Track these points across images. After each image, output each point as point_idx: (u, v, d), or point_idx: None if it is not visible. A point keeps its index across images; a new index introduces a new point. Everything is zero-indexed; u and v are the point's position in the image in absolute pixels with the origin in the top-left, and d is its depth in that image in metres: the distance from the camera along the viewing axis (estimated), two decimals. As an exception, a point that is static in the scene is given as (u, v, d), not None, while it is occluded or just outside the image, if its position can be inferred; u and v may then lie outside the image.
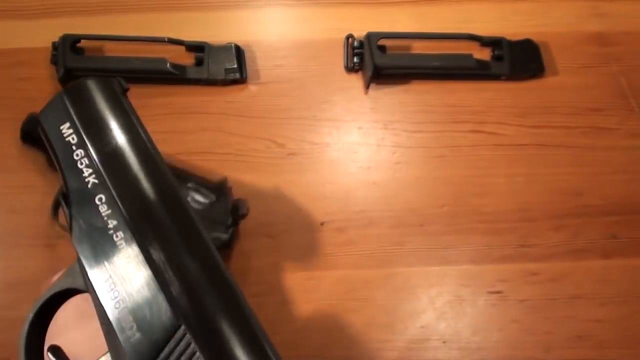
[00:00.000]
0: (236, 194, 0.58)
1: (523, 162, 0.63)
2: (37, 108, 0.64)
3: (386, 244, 0.59)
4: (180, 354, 0.26)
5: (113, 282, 0.29)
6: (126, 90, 0.36)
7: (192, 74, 0.64)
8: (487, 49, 0.67)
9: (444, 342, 0.56)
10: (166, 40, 0.64)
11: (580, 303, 0.58)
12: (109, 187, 0.31)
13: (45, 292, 0.35)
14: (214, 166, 0.61)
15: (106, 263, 0.30)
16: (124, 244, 0.29)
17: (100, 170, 0.31)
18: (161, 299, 0.27)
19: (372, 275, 0.58)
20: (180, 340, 0.26)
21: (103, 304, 0.29)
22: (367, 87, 0.65)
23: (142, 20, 0.67)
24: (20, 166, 0.61)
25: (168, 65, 0.62)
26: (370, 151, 0.63)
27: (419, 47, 0.67)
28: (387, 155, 0.63)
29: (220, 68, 0.64)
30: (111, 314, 0.28)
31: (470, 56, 0.65)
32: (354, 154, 0.63)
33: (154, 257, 0.28)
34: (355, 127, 0.64)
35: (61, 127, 0.33)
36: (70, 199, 0.31)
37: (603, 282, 0.58)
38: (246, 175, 0.60)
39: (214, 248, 0.30)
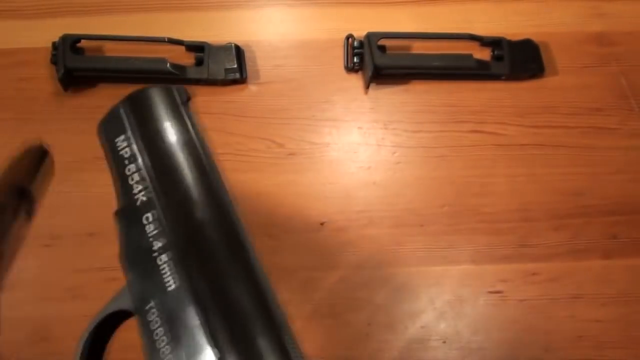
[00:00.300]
0: (236, 193, 0.58)
1: (523, 162, 0.63)
2: (37, 108, 0.65)
3: (386, 244, 0.59)
4: None
5: (154, 309, 0.27)
6: (188, 99, 0.33)
7: (192, 74, 0.64)
8: (487, 49, 0.67)
9: (444, 342, 0.56)
10: (166, 40, 0.64)
11: (580, 303, 0.57)
12: (156, 206, 0.29)
13: (97, 314, 0.33)
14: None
15: (149, 286, 0.28)
16: (166, 268, 0.28)
17: (149, 187, 0.29)
18: (201, 337, 0.26)
19: (372, 275, 0.58)
20: None
21: (143, 330, 0.28)
22: (367, 87, 0.65)
23: (142, 20, 0.67)
24: (20, 166, 0.61)
25: (168, 65, 0.62)
26: (370, 151, 0.63)
27: (419, 47, 0.67)
28: (387, 155, 0.63)
29: (220, 68, 0.64)
30: (149, 343, 0.27)
31: (470, 56, 0.65)
32: (354, 154, 0.63)
33: (197, 287, 0.27)
34: (355, 127, 0.64)
35: (116, 140, 0.32)
36: (119, 216, 0.30)
37: (603, 282, 0.58)
38: (246, 175, 0.60)
39: (262, 272, 0.29)
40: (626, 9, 0.71)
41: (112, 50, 0.65)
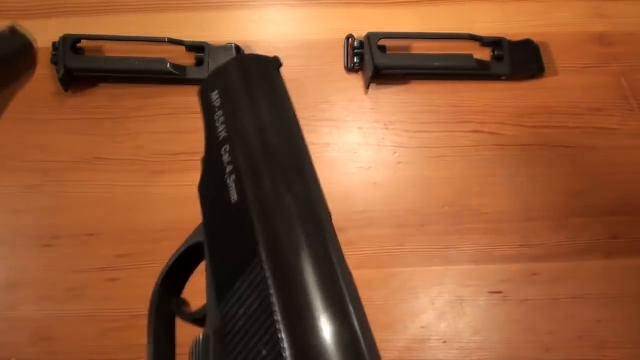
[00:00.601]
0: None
1: (524, 162, 0.63)
2: (37, 108, 0.65)
3: (386, 244, 0.59)
4: (253, 289, 0.25)
5: (213, 223, 0.29)
6: (279, 65, 0.36)
7: (192, 74, 0.64)
8: (487, 49, 0.67)
9: (444, 342, 0.56)
10: (166, 40, 0.64)
11: (581, 303, 0.57)
12: (234, 138, 0.31)
13: (176, 250, 0.34)
14: (214, 166, 0.61)
15: (219, 208, 0.29)
16: (233, 185, 0.29)
17: (231, 124, 0.32)
18: (246, 228, 0.26)
19: (372, 275, 0.58)
20: (257, 274, 0.25)
21: (207, 246, 0.29)
22: (367, 87, 0.65)
23: (142, 20, 0.67)
24: (20, 166, 0.61)
25: (168, 65, 0.62)
26: (370, 151, 0.63)
27: (419, 47, 0.67)
28: (388, 155, 0.63)
29: (220, 68, 0.64)
30: (210, 259, 0.28)
31: (470, 56, 0.65)
32: (354, 154, 0.63)
33: (257, 199, 0.27)
34: (356, 127, 0.64)
35: (212, 94, 0.35)
36: (205, 158, 0.33)
37: (604, 282, 0.58)
38: (246, 175, 0.60)
39: (322, 200, 0.30)
40: (627, 9, 0.71)
41: (112, 50, 0.65)
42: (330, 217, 0.29)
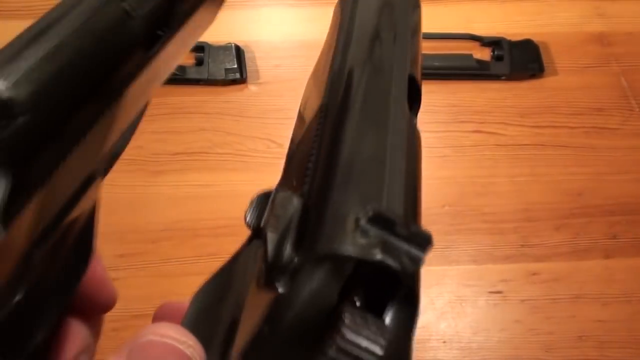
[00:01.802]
0: (235, 193, 0.58)
1: (524, 162, 0.63)
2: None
3: (387, 244, 0.59)
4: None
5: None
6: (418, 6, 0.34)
7: (192, 74, 0.64)
8: (487, 49, 0.67)
9: (444, 342, 0.56)
10: (166, 40, 0.64)
11: (582, 303, 0.57)
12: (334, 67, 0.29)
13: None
14: (213, 166, 0.61)
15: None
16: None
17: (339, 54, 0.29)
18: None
19: (373, 276, 0.58)
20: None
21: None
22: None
23: (142, 20, 0.67)
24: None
25: (168, 65, 0.62)
26: (370, 151, 0.63)
27: (419, 47, 0.67)
28: (388, 155, 0.63)
29: (220, 68, 0.64)
30: None
31: (470, 56, 0.65)
32: (354, 154, 0.63)
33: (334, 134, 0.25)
34: (356, 127, 0.64)
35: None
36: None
37: (605, 282, 0.58)
38: (245, 175, 0.60)
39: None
40: (626, 9, 0.71)
41: (112, 50, 0.65)
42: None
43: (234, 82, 0.64)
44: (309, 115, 0.27)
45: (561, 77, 0.67)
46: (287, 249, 0.18)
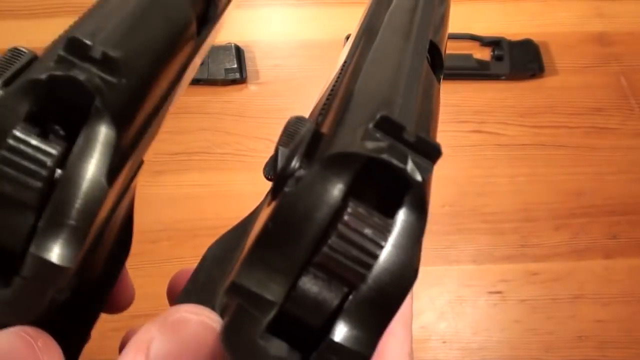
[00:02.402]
0: (235, 193, 0.58)
1: (524, 162, 0.63)
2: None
3: (386, 244, 0.59)
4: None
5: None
6: None
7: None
8: (487, 49, 0.67)
9: (444, 342, 0.56)
10: (166, 40, 0.64)
11: (581, 303, 0.57)
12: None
13: None
14: (213, 166, 0.61)
15: None
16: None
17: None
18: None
19: (373, 276, 0.58)
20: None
21: None
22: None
23: (142, 20, 0.67)
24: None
25: (168, 65, 0.62)
26: (370, 151, 0.63)
27: (419, 47, 0.67)
28: (388, 155, 0.63)
29: (220, 68, 0.64)
30: None
31: (470, 56, 0.65)
32: (354, 154, 0.63)
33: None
34: (356, 127, 0.64)
35: None
36: None
37: (605, 282, 0.58)
38: (245, 175, 0.60)
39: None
40: (626, 9, 0.71)
41: (112, 50, 0.65)
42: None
43: (234, 82, 0.64)
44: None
45: (561, 77, 0.67)
46: (296, 159, 0.18)
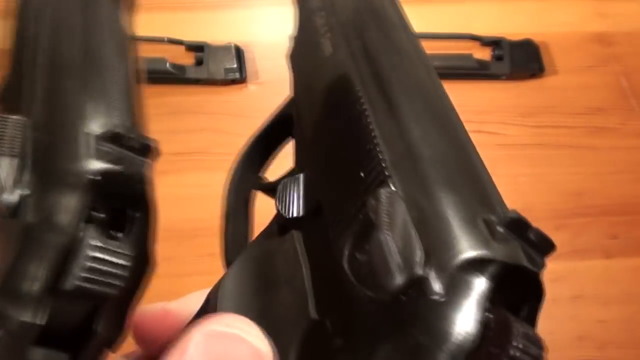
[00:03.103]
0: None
1: (524, 162, 0.63)
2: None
3: (387, 244, 0.59)
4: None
5: (307, 85, 0.27)
6: None
7: (192, 73, 0.64)
8: (487, 49, 0.67)
9: (445, 342, 0.56)
10: (166, 40, 0.64)
11: (582, 303, 0.57)
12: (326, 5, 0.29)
13: (263, 124, 0.31)
14: (213, 166, 0.61)
15: (311, 71, 0.28)
16: (328, 43, 0.27)
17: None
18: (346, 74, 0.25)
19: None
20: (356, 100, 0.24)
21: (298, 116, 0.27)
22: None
23: (142, 20, 0.67)
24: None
25: (167, 65, 0.62)
26: (370, 151, 0.63)
27: (419, 47, 0.67)
28: (388, 155, 0.63)
29: (220, 68, 0.64)
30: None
31: (470, 56, 0.65)
32: (354, 154, 0.63)
33: (351, 52, 0.26)
34: (356, 127, 0.64)
35: None
36: (296, 33, 0.31)
37: (605, 282, 0.58)
38: (246, 176, 0.60)
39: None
40: (627, 9, 0.71)
41: (112, 50, 0.65)
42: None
43: (233, 82, 0.64)
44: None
45: (561, 77, 0.67)
46: (419, 265, 0.17)
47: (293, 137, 0.30)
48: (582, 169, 0.62)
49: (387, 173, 0.20)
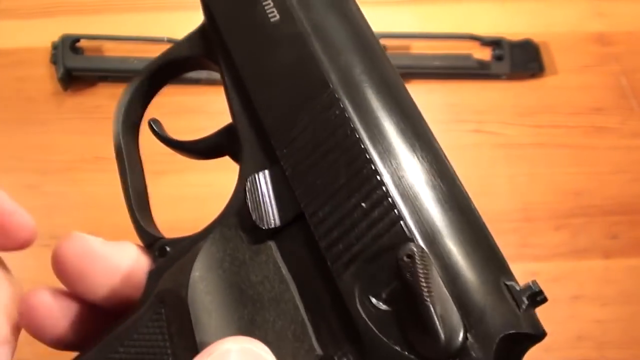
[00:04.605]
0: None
1: (524, 162, 0.63)
2: (36, 108, 0.64)
3: (386, 244, 0.59)
4: (324, 121, 0.22)
5: (256, 47, 0.25)
6: None
7: (193, 73, 0.63)
8: (487, 49, 0.67)
9: (445, 342, 0.56)
10: (166, 40, 0.64)
11: (581, 303, 0.57)
12: None
13: (156, 59, 0.31)
14: (213, 166, 0.61)
15: (249, 34, 0.26)
16: (271, 4, 0.25)
17: None
18: (313, 65, 0.23)
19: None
20: (327, 103, 0.23)
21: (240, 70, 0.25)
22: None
23: (142, 20, 0.67)
24: (20, 166, 0.60)
25: (168, 65, 0.62)
26: (370, 151, 0.63)
27: (419, 47, 0.67)
28: (388, 155, 0.63)
29: (220, 68, 0.64)
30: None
31: (470, 56, 0.65)
32: (354, 153, 0.63)
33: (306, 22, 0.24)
34: (356, 127, 0.64)
35: None
36: None
37: (604, 282, 0.58)
38: (246, 175, 0.60)
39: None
40: (626, 9, 0.71)
41: (112, 50, 0.65)
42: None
43: (234, 81, 0.64)
44: None
45: (561, 76, 0.67)
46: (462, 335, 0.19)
47: (229, 100, 0.29)
48: (581, 168, 0.63)
49: (396, 213, 0.21)
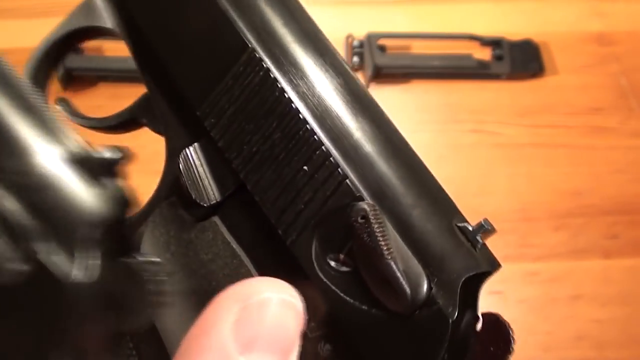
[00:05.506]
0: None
1: (523, 162, 0.63)
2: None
3: (386, 243, 0.59)
4: (251, 72, 0.22)
5: (163, 13, 0.24)
6: None
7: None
8: (487, 49, 0.67)
9: (444, 342, 0.56)
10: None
11: (580, 303, 0.57)
12: None
13: (55, 30, 0.29)
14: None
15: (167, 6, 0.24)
16: None
17: None
18: (228, 26, 0.22)
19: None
20: (251, 64, 0.22)
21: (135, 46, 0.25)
22: (367, 86, 0.65)
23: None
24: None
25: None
26: (370, 151, 0.63)
27: (419, 47, 0.67)
28: (387, 155, 0.63)
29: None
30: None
31: (470, 56, 0.65)
32: (353, 153, 0.63)
33: None
34: (355, 127, 0.64)
35: None
36: None
37: (603, 282, 0.58)
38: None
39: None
40: (626, 9, 0.71)
41: (112, 50, 0.65)
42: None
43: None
44: None
45: (561, 76, 0.67)
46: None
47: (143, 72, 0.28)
48: (581, 168, 0.63)
49: (340, 172, 0.20)
